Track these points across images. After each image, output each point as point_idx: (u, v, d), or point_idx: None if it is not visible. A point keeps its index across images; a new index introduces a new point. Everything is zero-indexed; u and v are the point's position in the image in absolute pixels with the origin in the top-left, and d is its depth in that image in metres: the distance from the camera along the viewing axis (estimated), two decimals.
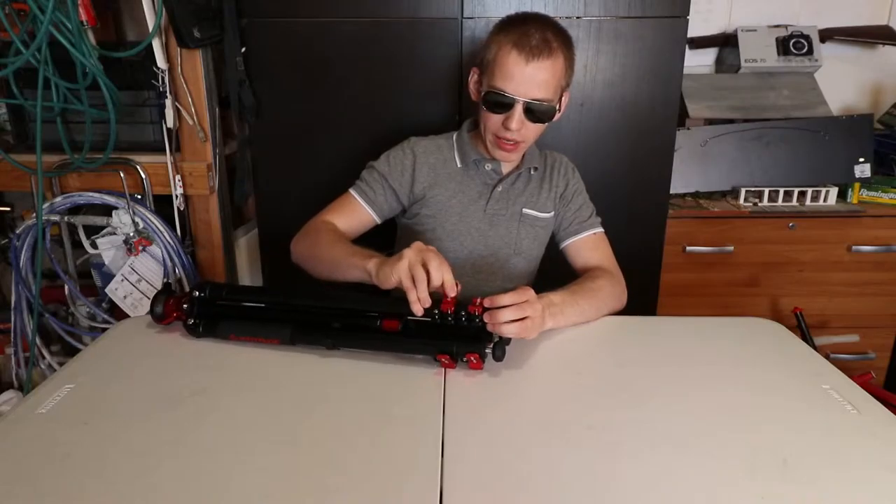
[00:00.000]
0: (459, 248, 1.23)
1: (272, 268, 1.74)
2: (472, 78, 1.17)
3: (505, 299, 0.90)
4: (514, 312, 0.89)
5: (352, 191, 1.24)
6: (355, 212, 1.22)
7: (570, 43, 1.11)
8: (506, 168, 1.23)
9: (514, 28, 1.07)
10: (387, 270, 0.91)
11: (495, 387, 0.86)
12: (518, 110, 1.08)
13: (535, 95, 1.07)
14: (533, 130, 1.12)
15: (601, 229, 1.25)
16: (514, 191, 1.23)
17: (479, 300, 0.90)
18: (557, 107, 1.12)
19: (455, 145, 1.25)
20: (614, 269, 1.21)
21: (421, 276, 0.88)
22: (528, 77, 1.05)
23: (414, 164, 1.22)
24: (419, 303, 0.88)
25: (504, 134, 1.11)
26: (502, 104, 1.08)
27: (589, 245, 1.23)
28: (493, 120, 1.11)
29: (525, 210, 1.23)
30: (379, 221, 1.26)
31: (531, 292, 0.92)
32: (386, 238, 1.33)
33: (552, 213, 1.25)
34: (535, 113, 1.08)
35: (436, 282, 0.88)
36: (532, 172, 1.24)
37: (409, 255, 0.90)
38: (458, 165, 1.23)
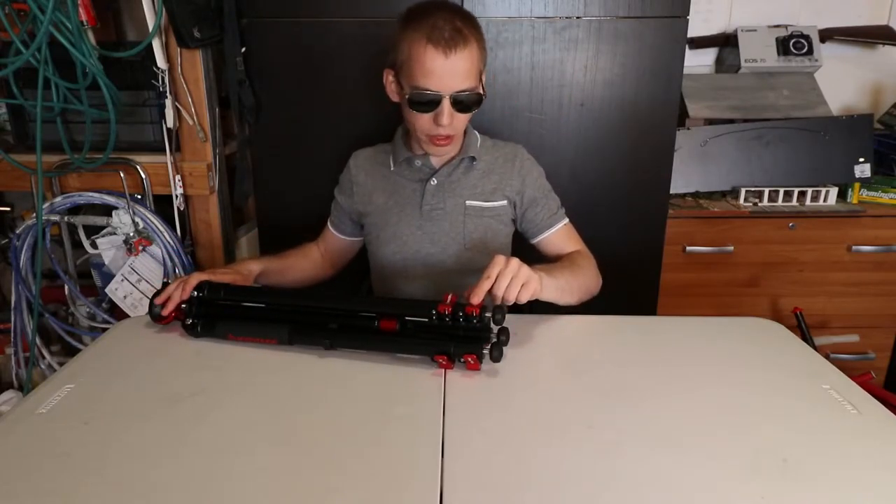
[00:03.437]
0: (404, 248, 1.23)
1: None
2: (387, 79, 1.17)
3: (483, 284, 0.91)
4: (507, 283, 0.91)
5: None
6: (327, 236, 1.34)
7: (479, 25, 1.11)
8: (438, 161, 1.22)
9: (423, 22, 1.06)
10: None
11: (495, 387, 0.86)
12: (446, 105, 1.08)
13: (460, 87, 1.07)
14: (462, 120, 1.13)
15: (567, 219, 1.26)
16: (450, 183, 1.22)
17: (476, 300, 0.90)
18: (482, 93, 1.12)
19: (391, 148, 1.26)
20: (590, 255, 1.23)
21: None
22: (449, 70, 1.05)
23: (351, 177, 1.28)
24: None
25: (436, 131, 1.11)
26: (429, 102, 1.08)
27: (562, 237, 1.24)
28: (423, 119, 1.11)
29: (469, 202, 1.22)
30: (353, 240, 1.34)
31: (498, 258, 0.93)
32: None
33: (504, 202, 1.23)
34: (462, 104, 1.09)
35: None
36: (473, 162, 1.22)
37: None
38: (392, 168, 1.25)
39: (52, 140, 1.49)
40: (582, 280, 1.12)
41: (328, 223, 1.34)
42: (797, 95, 1.87)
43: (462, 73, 1.06)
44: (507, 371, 0.89)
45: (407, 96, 1.10)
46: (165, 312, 1.00)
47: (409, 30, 1.07)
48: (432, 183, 1.21)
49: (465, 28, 1.06)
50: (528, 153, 1.27)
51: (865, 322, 1.84)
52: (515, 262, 0.94)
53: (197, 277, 1.02)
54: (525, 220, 1.25)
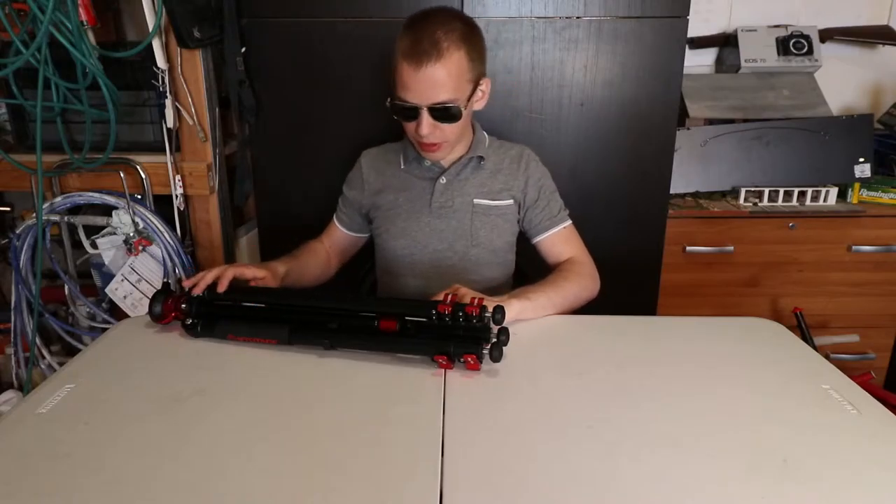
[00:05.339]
0: (412, 244, 1.24)
1: None
2: (391, 83, 1.17)
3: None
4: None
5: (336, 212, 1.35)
6: (333, 232, 1.34)
7: (469, 33, 1.08)
8: (447, 161, 1.24)
9: (407, 34, 1.07)
10: None
11: (495, 387, 0.86)
12: (424, 116, 1.09)
13: (435, 99, 1.07)
14: (449, 130, 1.12)
15: (570, 222, 1.26)
16: (459, 181, 1.24)
17: (475, 300, 0.90)
18: (465, 105, 1.11)
19: (402, 148, 1.28)
20: (586, 261, 1.23)
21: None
22: (421, 83, 1.05)
23: (362, 174, 1.29)
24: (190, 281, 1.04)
25: (419, 138, 1.12)
26: (406, 111, 1.10)
27: (560, 239, 1.24)
28: (408, 126, 1.13)
29: (476, 200, 1.23)
30: (359, 235, 1.34)
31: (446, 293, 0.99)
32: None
33: (510, 201, 1.24)
34: (441, 115, 1.09)
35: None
36: (481, 162, 1.23)
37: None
38: (402, 166, 1.26)
39: (52, 140, 1.49)
40: (566, 293, 1.12)
41: (335, 221, 1.34)
42: (797, 95, 1.87)
43: (437, 85, 1.05)
44: (507, 371, 0.89)
45: (388, 104, 1.12)
46: (197, 291, 1.01)
47: (398, 40, 1.08)
48: (441, 181, 1.23)
49: (446, 40, 1.04)
50: (535, 155, 1.28)
51: (865, 322, 1.84)
52: (463, 290, 1.01)
53: (234, 270, 1.03)
54: (525, 220, 1.26)
